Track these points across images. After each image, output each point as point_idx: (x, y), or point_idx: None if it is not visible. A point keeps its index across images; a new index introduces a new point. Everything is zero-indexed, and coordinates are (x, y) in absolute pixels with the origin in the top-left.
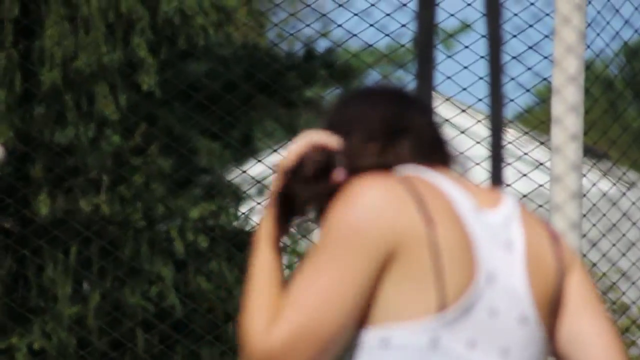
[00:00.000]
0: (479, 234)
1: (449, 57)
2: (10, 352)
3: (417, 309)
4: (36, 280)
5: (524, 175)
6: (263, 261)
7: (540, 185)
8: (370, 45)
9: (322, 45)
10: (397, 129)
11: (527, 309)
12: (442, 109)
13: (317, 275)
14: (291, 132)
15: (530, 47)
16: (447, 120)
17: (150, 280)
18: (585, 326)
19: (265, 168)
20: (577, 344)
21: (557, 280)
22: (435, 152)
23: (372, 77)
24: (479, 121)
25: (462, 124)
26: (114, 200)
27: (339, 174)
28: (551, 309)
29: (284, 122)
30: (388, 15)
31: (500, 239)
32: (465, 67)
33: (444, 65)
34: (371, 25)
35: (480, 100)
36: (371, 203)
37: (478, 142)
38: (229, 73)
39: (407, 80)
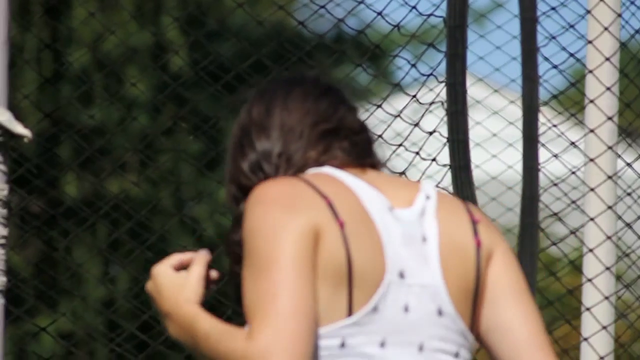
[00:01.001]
0: (389, 233)
1: (481, 36)
2: (37, 334)
3: (331, 315)
4: (64, 263)
5: (555, 156)
6: (208, 320)
7: (575, 168)
8: (397, 26)
9: (351, 25)
10: (327, 130)
11: (442, 302)
12: (475, 89)
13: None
14: None
15: (565, 27)
16: (479, 101)
17: None
18: (509, 314)
19: None
20: (500, 333)
21: (477, 269)
22: (362, 153)
23: (402, 57)
24: (511, 102)
25: (495, 104)
26: (143, 182)
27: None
28: (474, 299)
29: None
30: None
31: (413, 235)
32: (498, 48)
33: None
34: (407, 4)
35: (513, 80)
36: (274, 202)
37: (511, 123)
38: (258, 53)
39: (438, 60)
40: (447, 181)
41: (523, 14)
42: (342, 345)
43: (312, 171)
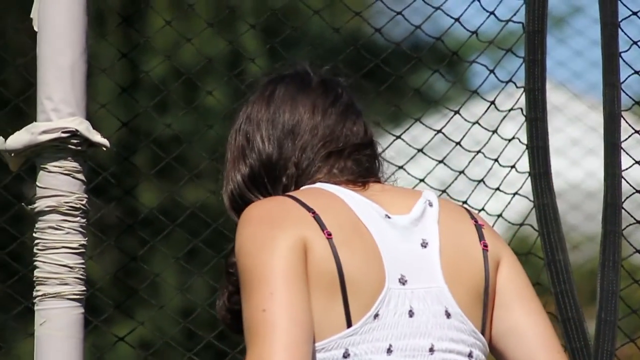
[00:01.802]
0: (385, 240)
1: (561, 41)
2: (115, 344)
3: (330, 326)
4: (142, 272)
5: (638, 162)
6: None
7: None
8: (475, 33)
9: (428, 31)
10: (333, 151)
11: (448, 304)
12: (554, 95)
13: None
14: (395, 120)
15: None
16: (557, 106)
17: None
18: (520, 318)
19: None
20: (512, 337)
21: (486, 272)
22: (365, 171)
23: (480, 63)
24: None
25: (575, 110)
26: (219, 191)
27: None
28: (485, 302)
29: (389, 110)
30: None
31: (412, 240)
32: (578, 53)
33: (555, 50)
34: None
35: (594, 86)
36: (261, 220)
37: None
38: (335, 60)
39: (516, 66)
40: (527, 189)
41: (604, 18)
42: (346, 355)
43: (304, 187)
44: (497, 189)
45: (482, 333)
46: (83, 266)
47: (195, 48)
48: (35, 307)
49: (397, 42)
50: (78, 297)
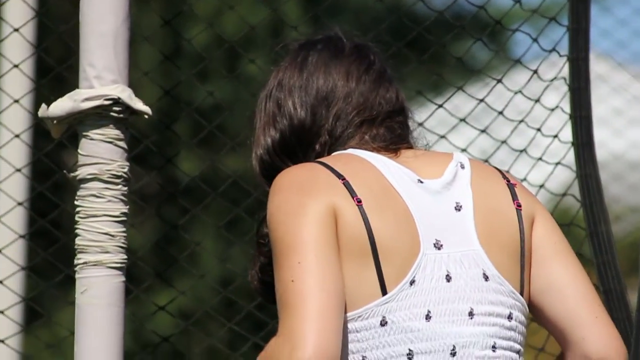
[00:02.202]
0: (418, 205)
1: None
2: (155, 313)
3: (364, 294)
4: (182, 241)
5: None
6: None
7: None
8: (519, 1)
9: (469, 2)
10: (366, 119)
11: (485, 266)
12: (598, 65)
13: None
14: (437, 89)
15: None
16: (600, 76)
17: None
18: (558, 273)
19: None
20: (551, 293)
21: (521, 232)
22: (397, 138)
23: (523, 31)
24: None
25: (618, 80)
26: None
27: None
28: (522, 261)
29: (430, 79)
30: None
31: (446, 203)
32: (622, 22)
33: (598, 19)
34: None
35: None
36: (293, 187)
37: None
38: (377, 29)
39: (560, 35)
40: (570, 159)
41: None
42: (384, 322)
43: (335, 153)
44: (540, 159)
45: (521, 293)
46: (124, 234)
47: (237, 16)
48: (76, 275)
49: (440, 11)
50: (119, 265)
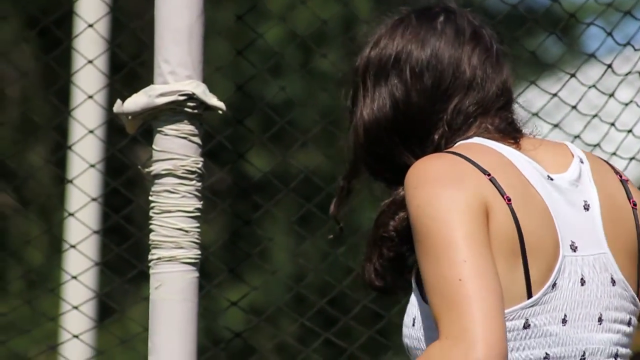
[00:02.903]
0: (554, 204)
1: None
2: (227, 309)
3: (511, 294)
4: (254, 236)
5: None
6: None
7: None
8: None
9: None
10: (484, 98)
11: (613, 270)
12: None
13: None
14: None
15: None
16: None
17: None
18: None
19: None
20: None
21: (637, 235)
22: (516, 124)
23: (597, 25)
24: None
25: None
26: (334, 157)
27: None
28: (638, 264)
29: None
30: None
31: (575, 202)
32: None
33: None
34: None
35: None
36: (438, 181)
37: None
38: None
39: (634, 29)
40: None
41: None
42: (526, 326)
43: (460, 143)
44: (613, 154)
45: (637, 293)
46: (198, 230)
47: (309, 11)
48: (150, 271)
49: (513, 4)
50: (193, 260)
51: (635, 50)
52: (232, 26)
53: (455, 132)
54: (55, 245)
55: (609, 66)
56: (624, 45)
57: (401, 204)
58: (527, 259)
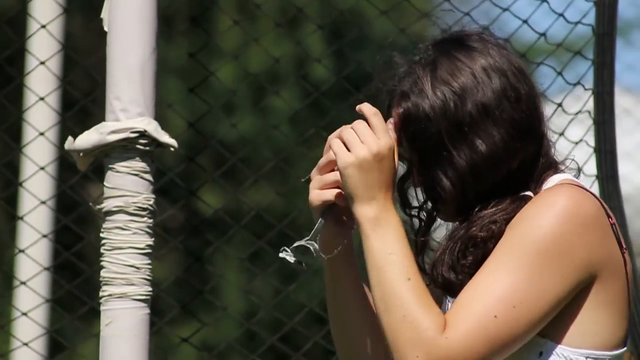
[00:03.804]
0: None
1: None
2: (179, 345)
3: (609, 340)
4: (205, 273)
5: None
6: (402, 240)
7: None
8: (544, 35)
9: (496, 33)
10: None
11: None
12: (622, 99)
13: (512, 281)
14: None
15: None
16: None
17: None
18: None
19: None
20: None
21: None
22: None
23: (548, 65)
24: None
25: None
26: (286, 194)
27: None
28: None
29: None
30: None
31: None
32: None
33: (623, 54)
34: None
35: None
36: (584, 222)
37: None
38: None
39: (584, 69)
40: (594, 192)
41: None
42: None
43: (567, 178)
44: None
45: None
46: (149, 267)
47: (262, 49)
48: (101, 308)
49: None
50: (144, 297)
51: (586, 89)
52: (184, 64)
53: (550, 162)
54: (6, 282)
55: (559, 105)
56: (575, 85)
57: (510, 217)
58: (630, 312)
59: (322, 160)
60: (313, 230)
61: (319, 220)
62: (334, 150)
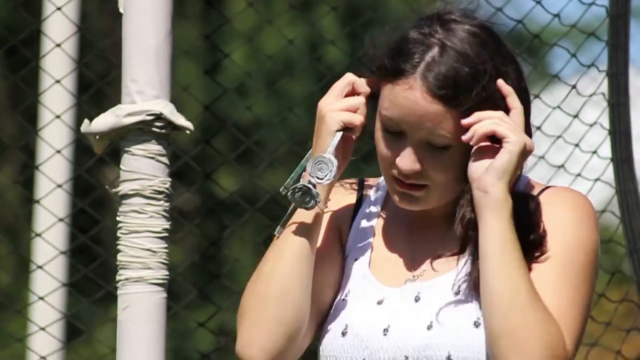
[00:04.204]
0: None
1: None
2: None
3: None
4: (219, 258)
5: None
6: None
7: None
8: (557, 16)
9: (509, 14)
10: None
11: None
12: (636, 80)
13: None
14: None
15: None
16: None
17: None
18: None
19: None
20: None
21: None
22: None
23: (562, 46)
24: None
25: None
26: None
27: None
28: None
29: None
30: None
31: None
32: None
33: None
34: None
35: None
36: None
37: None
38: None
39: (599, 50)
40: (609, 175)
41: None
42: None
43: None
44: (579, 175)
45: None
46: (166, 250)
47: (276, 30)
48: (118, 292)
49: None
50: (161, 281)
51: (600, 71)
52: (199, 46)
53: None
54: (23, 266)
55: (574, 87)
56: (589, 67)
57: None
58: None
59: (341, 84)
60: (330, 146)
61: (335, 134)
62: (505, 129)
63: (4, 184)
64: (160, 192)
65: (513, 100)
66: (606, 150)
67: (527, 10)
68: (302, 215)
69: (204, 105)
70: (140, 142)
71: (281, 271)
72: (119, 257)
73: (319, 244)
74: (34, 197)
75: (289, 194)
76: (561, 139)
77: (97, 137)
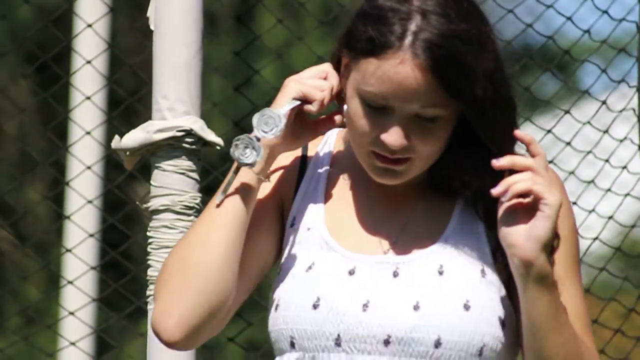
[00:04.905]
0: None
1: None
2: (225, 345)
3: None
4: None
5: None
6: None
7: None
8: (588, 32)
9: (540, 30)
10: None
11: None
12: None
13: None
14: None
15: None
16: None
17: None
18: None
19: None
20: None
21: None
22: None
23: (592, 62)
24: None
25: None
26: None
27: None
28: None
29: None
30: None
31: None
32: None
33: None
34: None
35: None
36: None
37: None
38: None
39: (629, 66)
40: (639, 190)
41: None
42: None
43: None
44: (609, 190)
45: None
46: None
47: (306, 47)
48: (148, 307)
49: (508, 40)
50: None
51: (630, 87)
52: (229, 62)
53: None
54: (53, 281)
55: (604, 102)
56: (619, 82)
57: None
58: None
59: (317, 68)
60: (281, 107)
61: (292, 101)
62: (542, 188)
63: (34, 199)
64: (190, 208)
65: (535, 148)
66: (636, 165)
67: (558, 26)
68: (241, 183)
69: (234, 122)
70: (171, 157)
71: (211, 240)
72: (149, 272)
73: (253, 212)
74: (64, 212)
75: (230, 149)
76: (591, 155)
77: (128, 153)
